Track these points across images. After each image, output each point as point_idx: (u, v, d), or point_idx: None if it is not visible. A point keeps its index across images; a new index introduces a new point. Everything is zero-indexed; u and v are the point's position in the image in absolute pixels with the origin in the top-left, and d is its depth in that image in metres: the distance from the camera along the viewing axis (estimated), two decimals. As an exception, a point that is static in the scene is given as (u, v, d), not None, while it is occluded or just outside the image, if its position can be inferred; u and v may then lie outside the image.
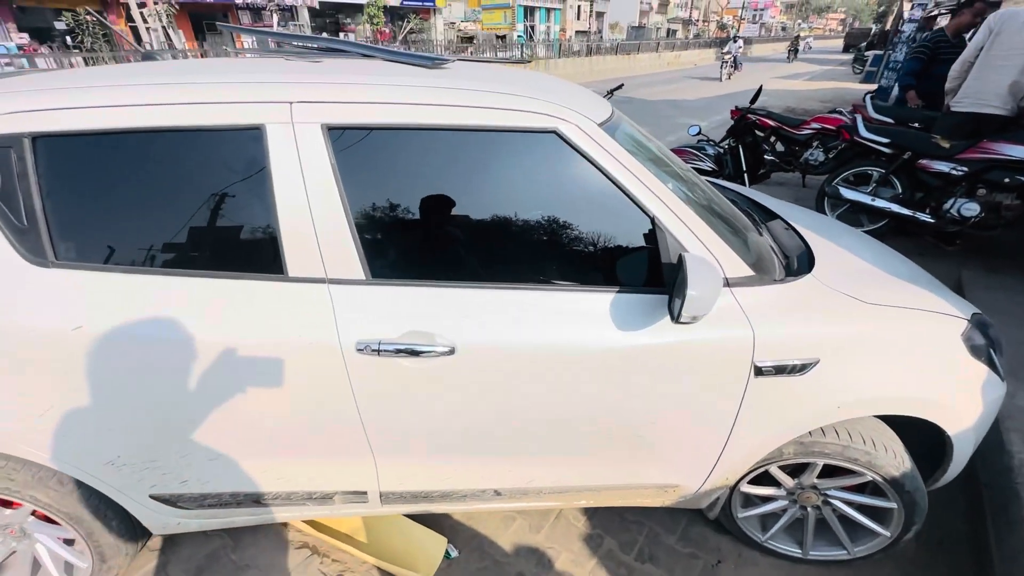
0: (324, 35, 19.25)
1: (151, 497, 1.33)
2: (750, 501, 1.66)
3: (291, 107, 1.12)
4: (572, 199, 1.25)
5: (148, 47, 12.70)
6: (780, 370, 1.27)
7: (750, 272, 1.28)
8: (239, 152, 1.13)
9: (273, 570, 1.61)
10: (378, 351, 1.16)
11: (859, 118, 3.97)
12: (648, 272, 1.26)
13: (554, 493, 1.50)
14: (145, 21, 13.15)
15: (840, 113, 4.75)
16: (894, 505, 1.46)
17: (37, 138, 1.09)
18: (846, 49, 33.35)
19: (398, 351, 1.17)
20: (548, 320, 1.22)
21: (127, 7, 13.38)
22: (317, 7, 19.06)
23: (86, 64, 10.37)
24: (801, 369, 1.27)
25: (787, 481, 1.54)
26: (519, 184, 1.24)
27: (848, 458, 1.40)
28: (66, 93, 1.12)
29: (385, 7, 19.67)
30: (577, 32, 31.58)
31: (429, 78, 1.21)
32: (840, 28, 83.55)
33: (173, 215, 1.16)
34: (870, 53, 16.92)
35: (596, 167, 1.19)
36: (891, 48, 8.29)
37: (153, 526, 1.42)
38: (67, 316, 1.11)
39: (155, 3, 13.41)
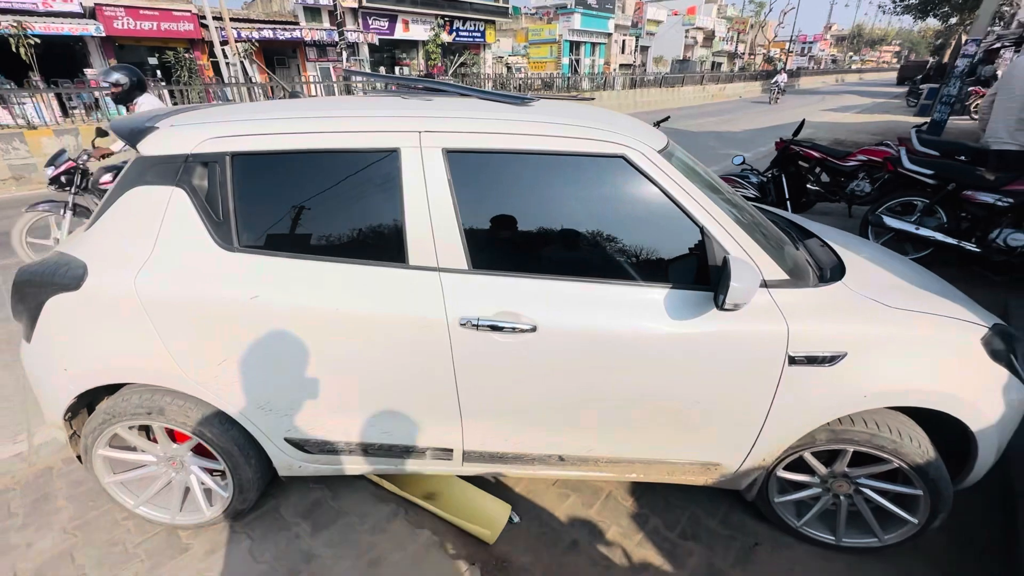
0: (383, 69, 20.60)
1: (285, 440, 1.66)
2: (786, 488, 1.84)
3: (420, 135, 1.46)
4: (635, 211, 1.53)
5: (231, 79, 14.14)
6: (811, 360, 1.48)
7: (785, 276, 1.52)
8: (379, 169, 1.48)
9: (367, 517, 1.91)
10: (476, 326, 1.47)
11: (903, 151, 4.09)
12: (697, 273, 1.52)
13: (609, 463, 1.73)
14: (226, 57, 14.67)
15: (887, 145, 4.87)
16: (920, 492, 1.61)
17: (235, 156, 1.48)
18: (900, 82, 33.04)
19: (491, 327, 1.47)
20: (613, 308, 1.49)
21: (211, 45, 14.98)
22: (376, 44, 20.55)
23: (171, 96, 11.48)
24: (830, 360, 1.48)
25: (820, 468, 1.72)
26: (593, 198, 1.54)
27: (876, 445, 1.58)
28: (256, 123, 1.50)
29: (441, 44, 20.96)
30: (621, 65, 32.38)
31: (523, 113, 1.53)
32: (895, 60, 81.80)
33: (326, 215, 1.52)
34: (925, 86, 16.63)
35: (655, 185, 1.47)
36: (945, 83, 8.23)
37: (280, 467, 1.75)
38: (245, 288, 1.48)
39: (236, 42, 14.92)
